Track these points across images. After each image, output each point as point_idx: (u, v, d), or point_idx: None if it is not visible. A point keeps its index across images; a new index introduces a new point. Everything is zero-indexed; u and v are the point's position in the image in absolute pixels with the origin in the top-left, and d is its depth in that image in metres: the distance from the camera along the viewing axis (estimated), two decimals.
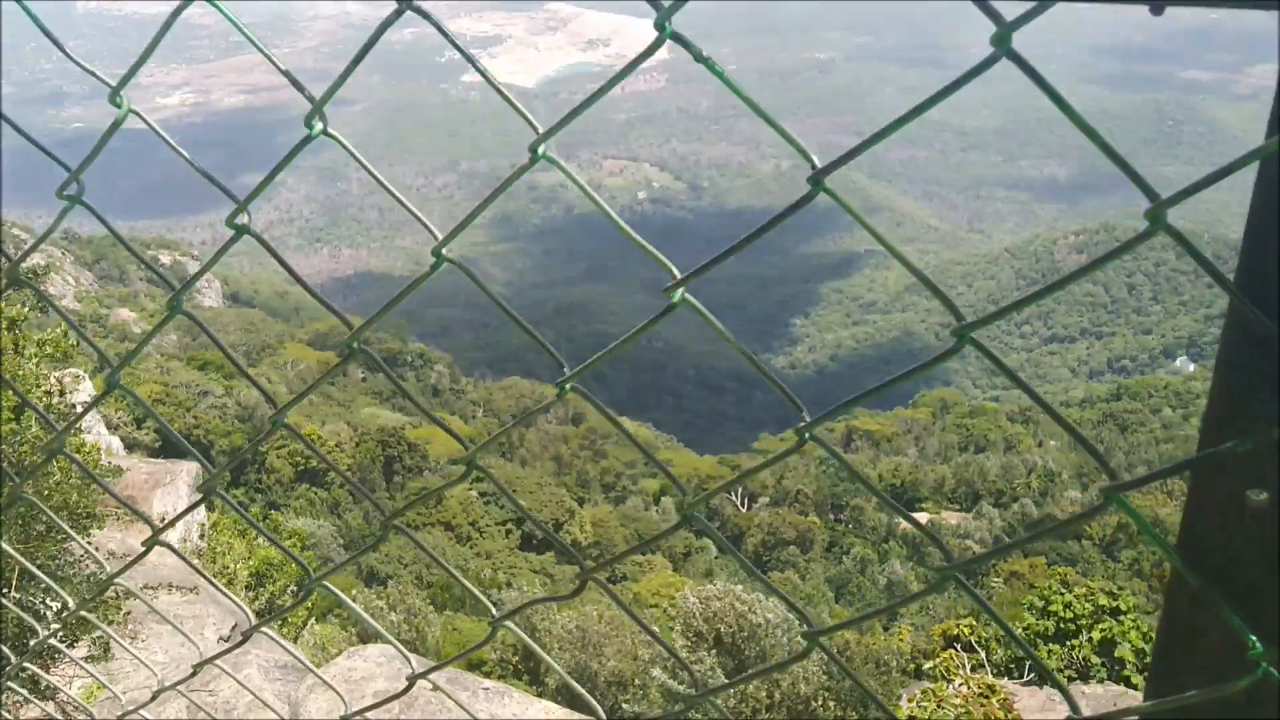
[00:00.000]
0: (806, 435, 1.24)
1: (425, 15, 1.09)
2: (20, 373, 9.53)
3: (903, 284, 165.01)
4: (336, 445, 51.12)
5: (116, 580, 1.83)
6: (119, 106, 1.42)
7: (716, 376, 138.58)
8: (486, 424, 69.85)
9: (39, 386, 9.51)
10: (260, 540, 15.48)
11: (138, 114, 1.47)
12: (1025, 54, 0.85)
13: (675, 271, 1.21)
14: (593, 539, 49.17)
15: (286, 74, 1.26)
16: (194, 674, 2.01)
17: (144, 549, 1.71)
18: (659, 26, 0.99)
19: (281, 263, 1.45)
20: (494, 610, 1.69)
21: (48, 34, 1.43)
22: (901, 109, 0.90)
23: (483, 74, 1.09)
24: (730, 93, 1.01)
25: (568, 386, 1.35)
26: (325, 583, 1.69)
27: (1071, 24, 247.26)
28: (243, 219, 1.47)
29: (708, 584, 19.41)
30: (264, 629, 1.83)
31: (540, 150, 1.18)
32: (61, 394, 10.51)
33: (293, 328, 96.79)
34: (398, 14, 1.08)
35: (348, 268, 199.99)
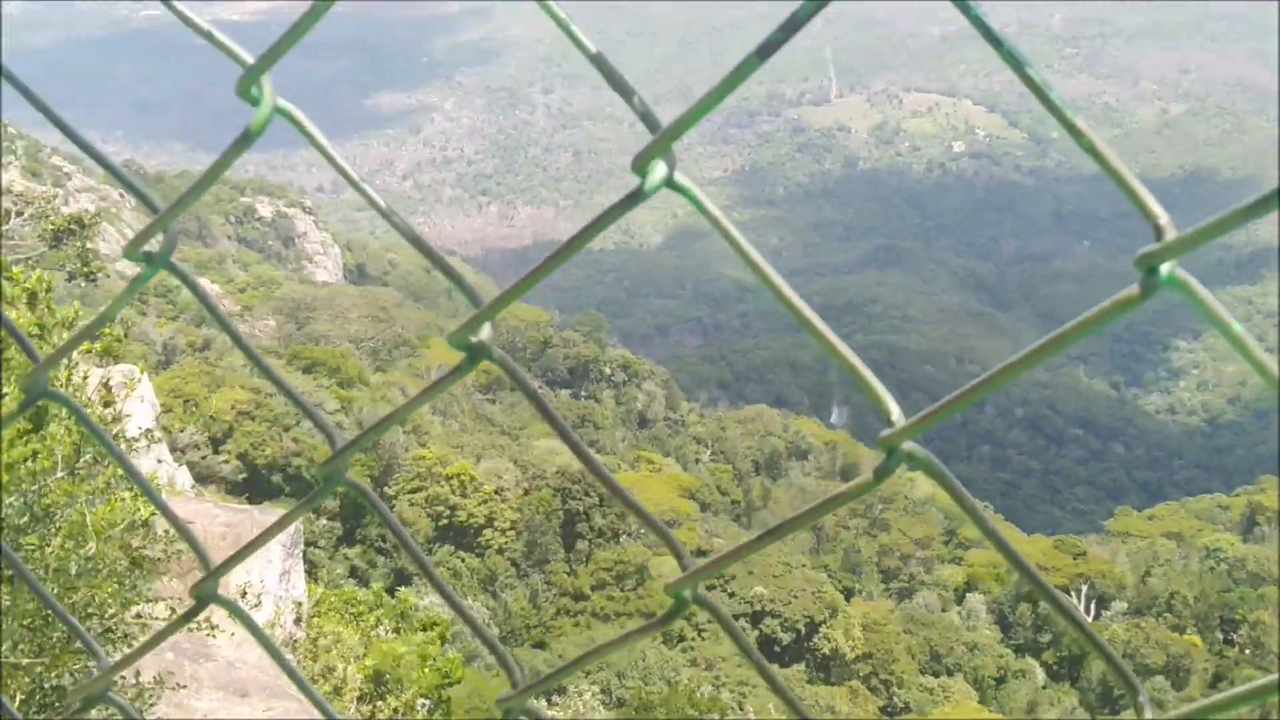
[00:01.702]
0: (686, 598, 1.17)
1: None
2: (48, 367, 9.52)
3: None
4: (497, 492, 52.00)
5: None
6: None
7: (1057, 420, 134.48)
8: (715, 470, 69.72)
9: (67, 383, 9.55)
10: (379, 630, 15.48)
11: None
12: None
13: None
14: (862, 650, 48.28)
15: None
16: None
17: None
18: None
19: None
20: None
21: None
22: None
23: None
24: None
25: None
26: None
27: None
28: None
29: None
30: None
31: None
32: (108, 404, 10.43)
33: (440, 317, 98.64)
34: None
35: (525, 234, 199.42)
